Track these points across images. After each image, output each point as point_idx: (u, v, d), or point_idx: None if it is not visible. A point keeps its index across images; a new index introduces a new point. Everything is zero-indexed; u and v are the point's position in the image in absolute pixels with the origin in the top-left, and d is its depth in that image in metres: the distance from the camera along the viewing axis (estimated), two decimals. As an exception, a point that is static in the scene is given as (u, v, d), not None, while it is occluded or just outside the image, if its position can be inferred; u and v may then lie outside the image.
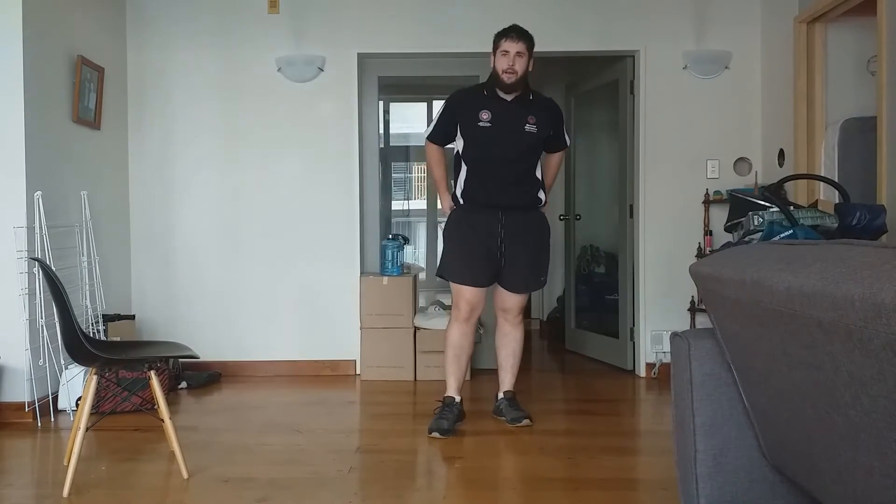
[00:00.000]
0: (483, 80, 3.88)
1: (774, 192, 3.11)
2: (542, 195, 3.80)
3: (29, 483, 3.06)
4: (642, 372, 5.04)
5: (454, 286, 3.78)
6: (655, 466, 3.16)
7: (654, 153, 4.99)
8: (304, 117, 5.05)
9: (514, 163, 3.70)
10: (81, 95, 4.36)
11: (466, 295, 3.74)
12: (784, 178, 3.47)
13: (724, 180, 4.94)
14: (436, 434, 3.53)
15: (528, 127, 3.67)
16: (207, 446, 3.43)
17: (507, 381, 3.89)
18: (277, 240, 5.07)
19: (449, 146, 3.90)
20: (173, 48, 5.03)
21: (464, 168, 3.74)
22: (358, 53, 5.04)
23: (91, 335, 4.09)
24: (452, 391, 3.80)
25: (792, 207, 3.00)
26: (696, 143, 4.98)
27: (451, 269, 3.80)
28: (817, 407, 1.15)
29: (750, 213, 3.09)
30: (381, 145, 5.73)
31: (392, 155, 7.67)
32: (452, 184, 3.87)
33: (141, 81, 5.04)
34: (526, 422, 3.72)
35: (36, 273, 3.88)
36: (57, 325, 2.94)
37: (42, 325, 3.90)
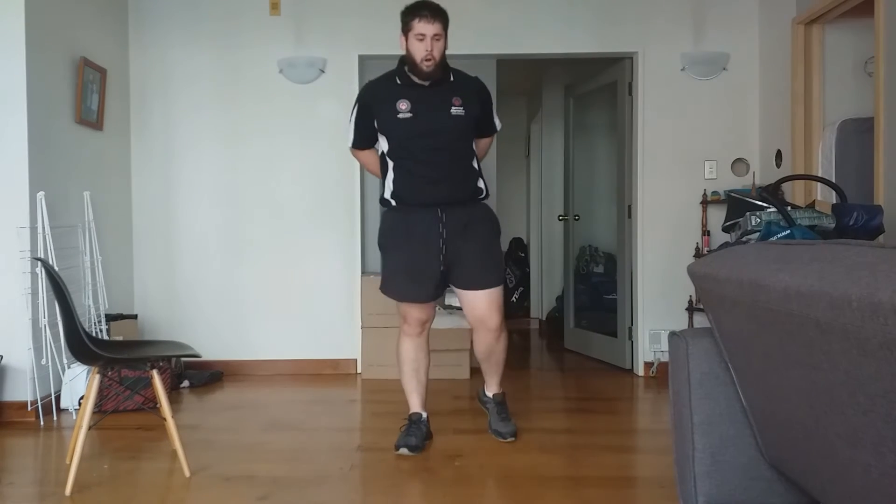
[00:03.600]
0: (400, 71, 3.35)
1: (772, 193, 3.12)
2: (482, 185, 3.39)
3: (31, 481, 3.08)
4: (640, 371, 5.06)
5: (399, 304, 3.42)
6: (654, 464, 3.17)
7: (652, 154, 5.01)
8: (305, 118, 5.06)
9: (446, 153, 3.27)
10: (84, 97, 4.37)
11: (414, 313, 3.39)
12: (781, 178, 3.48)
13: (721, 181, 4.96)
14: (404, 451, 3.28)
15: (454, 110, 3.25)
16: (209, 445, 3.45)
17: (493, 382, 3.58)
18: (279, 239, 5.08)
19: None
20: (175, 49, 5.04)
21: (390, 166, 3.32)
22: (359, 55, 5.05)
23: (94, 334, 4.10)
24: (417, 407, 3.46)
25: (789, 208, 3.01)
26: (694, 143, 4.99)
27: (390, 284, 3.41)
28: (815, 406, 1.15)
29: (747, 213, 3.10)
30: (381, 145, 5.73)
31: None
32: (381, 186, 3.44)
33: (143, 83, 5.05)
34: (511, 439, 3.43)
35: (39, 273, 3.88)
36: (60, 324, 2.96)
37: (45, 325, 3.91)
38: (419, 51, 3.15)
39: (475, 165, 3.39)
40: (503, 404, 3.58)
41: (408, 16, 3.20)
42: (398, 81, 3.29)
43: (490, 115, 3.49)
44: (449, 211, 3.27)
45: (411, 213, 3.30)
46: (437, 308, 3.60)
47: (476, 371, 4.85)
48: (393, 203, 3.34)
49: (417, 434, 3.36)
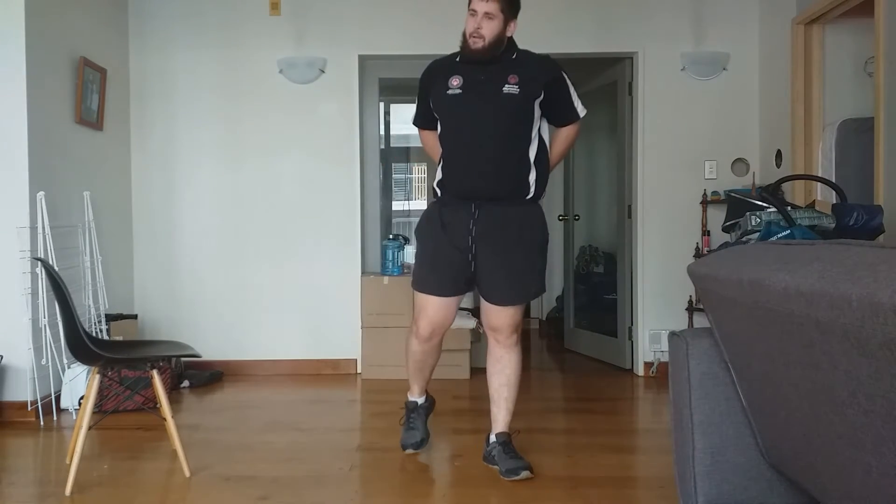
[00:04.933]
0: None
1: (772, 193, 3.12)
2: (532, 180, 3.01)
3: (31, 481, 3.07)
4: (640, 371, 5.06)
5: (416, 297, 3.15)
6: (654, 465, 3.17)
7: (652, 154, 5.01)
8: (305, 118, 5.06)
9: (492, 137, 2.95)
10: (84, 96, 4.37)
11: (429, 309, 3.08)
12: (781, 178, 3.48)
13: (721, 181, 4.96)
14: (410, 450, 3.23)
15: (507, 88, 2.93)
16: (209, 445, 3.45)
17: (500, 419, 3.10)
18: (279, 240, 5.08)
19: None
20: (175, 50, 5.04)
21: (441, 151, 3.11)
22: (359, 55, 5.05)
23: (94, 334, 4.10)
24: (416, 395, 3.31)
25: (789, 208, 3.01)
26: (694, 143, 4.99)
27: (415, 274, 3.15)
28: (815, 406, 1.15)
29: (747, 213, 3.10)
30: (382, 146, 5.74)
31: (392, 155, 7.67)
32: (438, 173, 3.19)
33: (143, 83, 5.05)
34: (525, 474, 2.94)
35: (39, 273, 3.88)
36: (60, 324, 2.96)
37: (45, 325, 3.91)
38: (469, 26, 2.93)
39: (531, 156, 3.00)
40: (508, 444, 3.06)
41: None
42: (457, 59, 3.05)
43: (566, 98, 3.07)
44: (484, 209, 2.98)
45: (447, 205, 3.06)
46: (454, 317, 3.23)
47: (476, 372, 4.86)
48: (438, 192, 3.11)
49: (418, 425, 3.28)
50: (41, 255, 3.83)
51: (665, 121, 4.99)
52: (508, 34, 2.99)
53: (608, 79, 5.37)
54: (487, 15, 2.89)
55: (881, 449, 0.98)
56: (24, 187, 3.88)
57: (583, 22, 5.00)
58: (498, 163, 2.97)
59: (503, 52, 2.99)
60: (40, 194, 3.89)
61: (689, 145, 4.99)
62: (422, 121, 3.23)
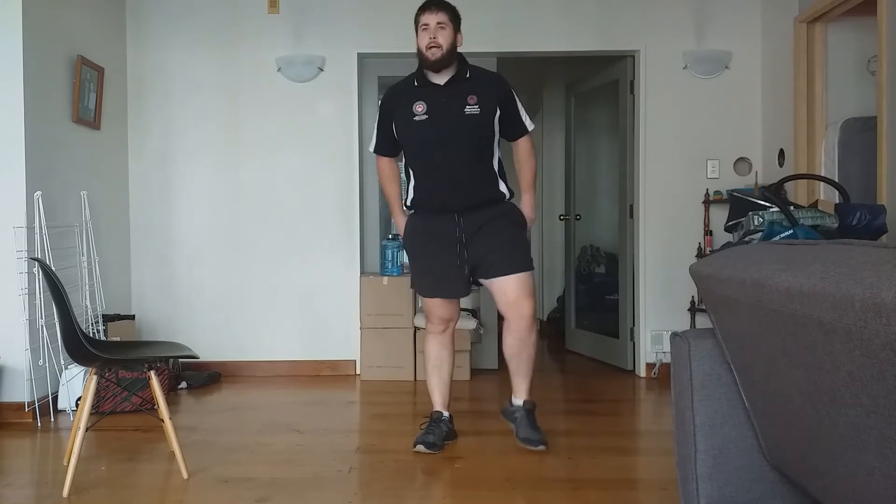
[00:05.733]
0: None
1: (774, 192, 3.11)
2: (503, 189, 3.34)
3: (29, 483, 3.06)
4: (642, 372, 5.04)
5: (423, 300, 3.46)
6: (655, 466, 3.16)
7: (654, 153, 4.99)
8: (304, 117, 5.05)
9: (462, 155, 3.22)
10: (81, 95, 4.36)
11: (437, 310, 3.41)
12: (784, 178, 3.47)
13: (724, 180, 4.94)
14: (421, 448, 3.28)
15: (468, 109, 3.19)
16: (207, 446, 3.43)
17: (523, 388, 3.42)
18: (277, 240, 5.07)
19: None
20: (173, 48, 5.03)
21: (410, 173, 3.36)
22: (358, 53, 5.04)
23: (91, 335, 4.09)
24: (439, 406, 3.47)
25: (792, 207, 3.00)
26: (697, 142, 4.97)
27: (417, 282, 3.48)
28: (817, 407, 1.14)
29: (750, 213, 3.09)
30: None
31: (392, 155, 7.65)
32: (405, 192, 3.46)
33: (141, 82, 5.04)
34: (541, 447, 3.27)
35: (36, 273, 3.87)
36: (57, 325, 2.94)
37: (42, 326, 3.90)
38: (423, 40, 3.19)
39: (495, 168, 3.32)
40: (532, 413, 3.40)
41: (417, 13, 3.27)
42: (416, 84, 3.29)
43: (515, 113, 3.34)
44: (466, 216, 3.26)
45: (430, 219, 3.33)
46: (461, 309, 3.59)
47: (476, 372, 4.85)
48: (413, 210, 3.39)
49: (436, 432, 3.36)
50: (38, 255, 3.82)
51: (667, 119, 4.97)
52: (458, 46, 3.26)
53: (609, 77, 5.36)
54: (440, 25, 3.18)
55: (884, 450, 0.98)
56: (20, 187, 3.87)
57: (584, 20, 4.98)
58: (470, 178, 3.25)
59: (458, 72, 3.26)
60: (37, 194, 3.88)
61: (691, 144, 4.98)
62: (384, 148, 3.43)
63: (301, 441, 3.55)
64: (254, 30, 5.01)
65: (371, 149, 3.49)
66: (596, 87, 5.61)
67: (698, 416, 1.60)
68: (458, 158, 3.22)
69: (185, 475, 2.96)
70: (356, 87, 5.04)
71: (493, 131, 3.28)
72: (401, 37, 4.98)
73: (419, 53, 3.23)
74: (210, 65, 5.03)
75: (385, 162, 3.47)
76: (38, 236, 3.88)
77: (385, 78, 5.31)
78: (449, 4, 3.26)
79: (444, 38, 3.18)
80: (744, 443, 1.57)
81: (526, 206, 3.45)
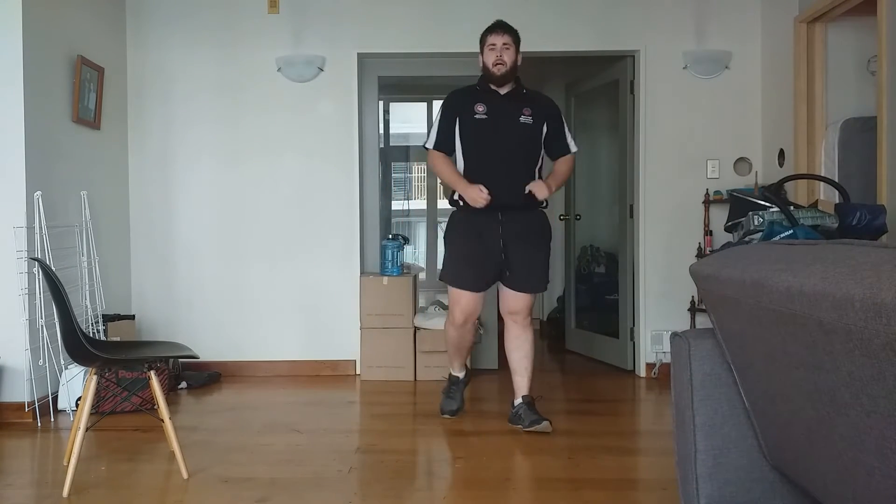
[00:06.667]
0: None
1: (774, 192, 3.11)
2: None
3: (29, 483, 3.06)
4: (642, 372, 5.04)
5: (452, 290, 3.74)
6: (655, 466, 3.16)
7: (654, 153, 4.99)
8: (304, 117, 5.04)
9: (512, 156, 3.65)
10: (81, 95, 4.36)
11: (462, 302, 3.71)
12: (784, 178, 3.47)
13: (724, 180, 4.94)
14: (447, 416, 3.86)
15: (523, 118, 3.66)
16: (207, 446, 3.43)
17: (522, 385, 3.75)
18: (277, 240, 5.06)
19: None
20: (173, 48, 5.02)
21: (462, 166, 3.72)
22: (358, 53, 5.04)
23: (91, 335, 4.09)
24: (457, 371, 3.98)
25: (792, 207, 2.99)
26: (697, 142, 4.97)
27: (451, 273, 3.76)
28: (817, 407, 1.14)
29: (750, 213, 3.08)
30: (381, 145, 5.72)
31: (392, 155, 7.67)
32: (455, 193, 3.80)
33: (141, 81, 5.04)
34: (546, 424, 3.56)
35: (36, 273, 3.87)
36: (57, 325, 2.94)
37: (42, 326, 3.90)
38: (490, 58, 3.63)
39: (537, 175, 3.72)
40: (532, 404, 3.70)
41: (484, 34, 3.70)
42: (478, 89, 3.73)
43: (560, 133, 3.78)
44: (507, 214, 3.63)
45: (474, 215, 3.65)
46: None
47: (476, 373, 4.85)
48: (461, 203, 3.69)
49: (457, 396, 3.94)
50: (38, 255, 3.82)
51: (667, 120, 4.97)
52: (519, 64, 3.69)
53: (609, 77, 5.35)
54: (505, 45, 3.63)
55: (884, 450, 0.98)
56: (21, 187, 3.87)
57: (584, 20, 4.98)
58: (517, 178, 3.64)
59: (516, 88, 3.71)
60: (37, 194, 3.88)
61: (691, 144, 4.97)
62: (442, 144, 3.75)
63: (301, 441, 3.55)
64: (254, 30, 5.01)
65: (429, 145, 3.77)
66: (596, 87, 5.60)
67: (698, 416, 1.60)
68: (509, 158, 3.64)
69: (185, 475, 2.96)
70: (356, 88, 5.04)
71: (540, 143, 3.73)
72: (401, 37, 5.01)
73: (485, 69, 3.67)
74: (210, 65, 5.03)
75: (441, 156, 3.77)
76: (38, 236, 3.88)
77: (385, 78, 5.32)
78: (513, 28, 3.69)
79: (508, 57, 3.62)
80: (744, 443, 1.57)
81: (545, 181, 3.70)
